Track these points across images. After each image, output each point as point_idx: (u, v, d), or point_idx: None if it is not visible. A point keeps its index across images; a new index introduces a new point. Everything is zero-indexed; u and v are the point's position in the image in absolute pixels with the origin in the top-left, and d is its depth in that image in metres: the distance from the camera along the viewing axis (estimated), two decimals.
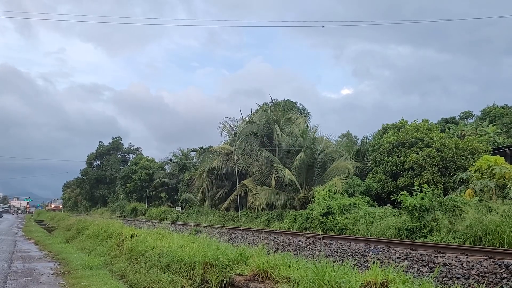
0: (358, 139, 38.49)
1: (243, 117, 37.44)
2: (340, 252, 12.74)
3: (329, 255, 12.37)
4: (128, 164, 71.88)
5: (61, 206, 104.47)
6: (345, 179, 25.08)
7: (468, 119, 45.64)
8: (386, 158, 24.37)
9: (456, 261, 9.44)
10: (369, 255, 11.87)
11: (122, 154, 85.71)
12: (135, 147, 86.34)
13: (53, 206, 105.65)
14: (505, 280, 8.14)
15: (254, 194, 29.48)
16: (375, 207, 20.94)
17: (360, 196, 22.74)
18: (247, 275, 6.92)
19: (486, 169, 18.25)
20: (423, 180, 21.10)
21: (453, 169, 22.34)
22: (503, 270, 8.45)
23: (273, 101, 41.45)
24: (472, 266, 8.98)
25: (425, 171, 22.01)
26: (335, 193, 22.41)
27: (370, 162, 27.41)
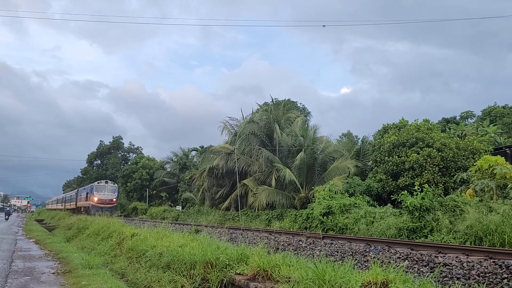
0: (358, 138, 38.46)
1: (244, 117, 37.47)
2: (340, 252, 12.73)
3: (329, 255, 12.37)
4: (129, 163, 71.90)
5: (115, 200, 49.95)
6: (346, 178, 25.06)
7: (468, 119, 45.65)
8: (386, 158, 24.35)
9: (456, 261, 9.44)
10: (370, 255, 11.86)
11: (122, 153, 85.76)
12: (135, 147, 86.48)
13: (95, 199, 47.39)
14: (505, 281, 8.13)
15: (254, 194, 29.48)
16: (376, 207, 20.93)
17: (360, 196, 22.73)
18: (247, 275, 6.93)
19: (486, 169, 18.23)
20: (423, 180, 21.08)
21: (453, 169, 22.32)
22: (504, 270, 8.44)
23: (274, 100, 41.45)
24: (473, 266, 8.98)
25: (426, 171, 22.00)
26: (335, 193, 22.40)
27: (371, 161, 27.39)
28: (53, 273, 10.79)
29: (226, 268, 7.52)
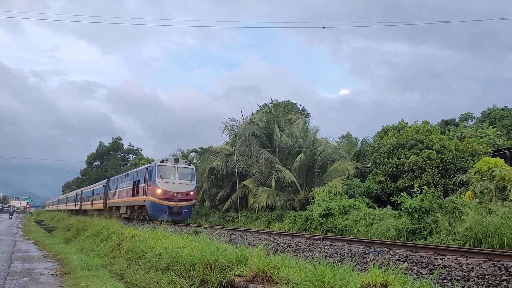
0: (358, 140, 38.50)
1: (244, 118, 37.55)
2: (339, 254, 12.71)
3: (328, 257, 12.35)
4: (128, 164, 71.93)
5: (193, 193, 26.84)
6: (345, 180, 25.07)
7: (468, 121, 45.67)
8: (386, 159, 24.37)
9: (455, 263, 9.43)
10: (369, 256, 11.85)
11: (122, 154, 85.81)
12: (135, 148, 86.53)
13: (159, 192, 25.11)
14: (504, 283, 8.13)
15: (254, 195, 29.47)
16: (375, 208, 20.92)
17: (360, 198, 22.73)
18: (246, 276, 6.93)
19: (486, 171, 18.23)
20: (423, 182, 21.08)
21: (453, 171, 22.33)
22: (503, 272, 8.44)
23: (274, 102, 41.50)
24: (472, 268, 8.97)
25: (425, 173, 22.00)
26: (335, 194, 22.40)
27: (370, 163, 27.40)
28: (52, 274, 10.79)
29: (225, 269, 7.52)
